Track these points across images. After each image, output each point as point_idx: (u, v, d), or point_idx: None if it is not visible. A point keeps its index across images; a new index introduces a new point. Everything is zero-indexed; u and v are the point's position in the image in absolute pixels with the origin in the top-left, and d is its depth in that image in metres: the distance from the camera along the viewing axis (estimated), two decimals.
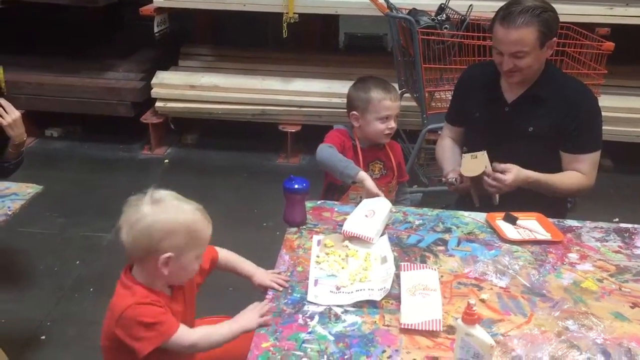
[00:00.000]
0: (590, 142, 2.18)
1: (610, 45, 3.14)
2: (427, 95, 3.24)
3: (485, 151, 2.10)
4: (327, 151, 2.09)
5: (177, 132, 4.35)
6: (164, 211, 1.38)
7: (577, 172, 2.16)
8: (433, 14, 3.24)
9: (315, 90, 4.01)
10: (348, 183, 2.05)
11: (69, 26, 4.69)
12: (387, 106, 2.11)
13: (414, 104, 3.50)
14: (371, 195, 1.97)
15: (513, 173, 2.04)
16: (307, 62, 4.34)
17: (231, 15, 4.23)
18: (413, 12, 3.14)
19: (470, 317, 1.22)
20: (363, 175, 2.00)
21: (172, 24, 4.25)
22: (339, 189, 2.22)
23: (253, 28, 4.85)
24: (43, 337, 2.44)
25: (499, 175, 2.05)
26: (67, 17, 4.67)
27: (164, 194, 1.42)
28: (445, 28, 3.01)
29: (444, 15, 3.11)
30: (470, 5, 3.11)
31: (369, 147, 2.22)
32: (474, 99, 2.31)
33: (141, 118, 4.19)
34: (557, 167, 2.19)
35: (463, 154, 2.23)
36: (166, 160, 4.12)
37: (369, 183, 1.99)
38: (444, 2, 3.28)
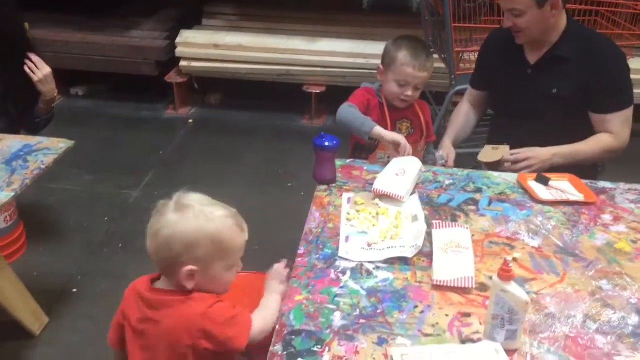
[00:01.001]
0: (620, 100, 2.13)
1: None
2: (455, 56, 3.18)
3: (508, 146, 2.09)
4: (345, 111, 2.03)
5: (200, 92, 4.34)
6: (188, 220, 1.26)
7: (604, 134, 2.12)
8: None
9: (339, 51, 3.96)
10: (366, 140, 2.02)
11: None
12: (407, 72, 2.02)
13: (441, 65, 3.44)
14: (393, 143, 1.92)
15: (533, 156, 2.05)
16: (331, 22, 4.28)
17: None
18: None
19: (506, 274, 1.21)
20: (378, 130, 1.94)
21: None
22: (366, 149, 2.19)
23: None
24: (74, 290, 2.50)
25: (518, 166, 2.05)
26: None
27: (192, 199, 1.31)
28: None
29: None
30: None
31: (396, 106, 2.18)
32: (498, 62, 2.27)
33: (165, 77, 4.19)
34: (583, 131, 2.15)
35: (485, 145, 2.20)
36: (190, 120, 4.13)
37: (385, 134, 1.93)
38: None
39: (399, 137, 1.93)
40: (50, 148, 2.07)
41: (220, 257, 1.30)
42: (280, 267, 1.53)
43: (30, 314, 2.22)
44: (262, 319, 1.36)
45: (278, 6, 4.62)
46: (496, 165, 2.09)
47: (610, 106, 2.11)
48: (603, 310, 1.37)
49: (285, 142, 3.85)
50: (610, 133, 2.13)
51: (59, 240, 2.82)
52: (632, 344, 1.28)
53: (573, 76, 2.09)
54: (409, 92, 2.06)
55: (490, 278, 1.39)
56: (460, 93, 3.13)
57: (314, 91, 4.00)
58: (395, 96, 2.09)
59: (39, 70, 2.30)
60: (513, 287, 1.23)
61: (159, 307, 1.31)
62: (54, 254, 2.71)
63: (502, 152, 2.10)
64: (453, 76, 3.16)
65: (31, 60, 2.32)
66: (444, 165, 2.14)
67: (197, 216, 1.27)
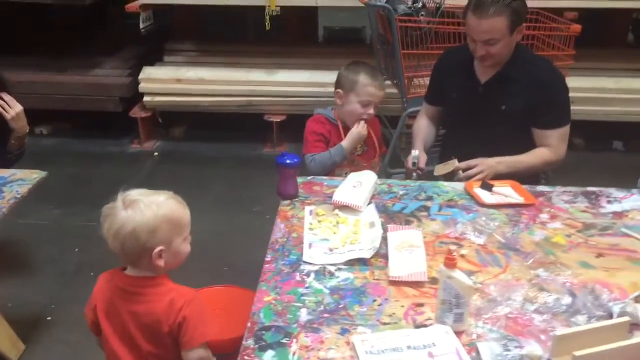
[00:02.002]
0: (559, 118, 2.34)
1: (577, 27, 3.31)
2: (406, 81, 3.39)
3: (456, 159, 2.29)
4: (315, 163, 2.28)
5: (165, 125, 4.46)
6: (141, 212, 1.42)
7: (544, 148, 2.33)
8: (409, 2, 3.39)
9: (297, 81, 4.15)
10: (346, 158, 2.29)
11: (55, 25, 4.78)
12: (370, 92, 2.25)
13: (394, 90, 3.65)
14: (359, 136, 2.26)
15: (482, 163, 2.24)
16: (289, 55, 4.47)
17: (213, 10, 4.35)
18: (391, 1, 3.29)
19: (451, 262, 1.37)
20: (345, 145, 2.27)
21: (156, 20, 4.35)
22: None
23: (235, 23, 4.98)
24: (49, 318, 2.56)
25: (471, 172, 2.23)
26: (53, 16, 4.75)
27: (135, 194, 1.46)
28: (422, 15, 3.17)
29: (420, 3, 3.27)
30: None
31: (351, 125, 2.35)
32: (451, 81, 2.46)
33: (129, 113, 4.30)
34: (527, 144, 2.35)
35: (436, 164, 2.40)
36: (155, 153, 4.23)
37: (350, 140, 2.28)
38: None
39: (355, 129, 2.27)
40: (24, 179, 2.17)
41: (178, 232, 1.49)
42: None
43: (7, 341, 2.28)
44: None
45: (237, 41, 4.81)
46: (451, 176, 2.27)
47: (550, 123, 2.32)
48: (540, 294, 1.53)
49: (248, 169, 3.98)
50: (549, 147, 2.33)
51: (31, 273, 2.88)
52: (565, 320, 1.45)
53: (519, 95, 2.29)
54: (371, 111, 2.28)
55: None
56: (412, 115, 3.33)
57: (275, 120, 4.16)
58: (357, 116, 2.30)
59: (11, 108, 2.41)
60: (457, 274, 1.39)
61: (137, 293, 1.49)
62: (27, 285, 2.77)
63: (452, 164, 2.28)
64: (405, 99, 3.37)
65: (3, 99, 2.42)
66: (415, 167, 2.32)
67: (148, 206, 1.44)
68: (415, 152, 2.32)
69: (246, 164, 4.09)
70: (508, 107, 2.31)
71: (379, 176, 2.17)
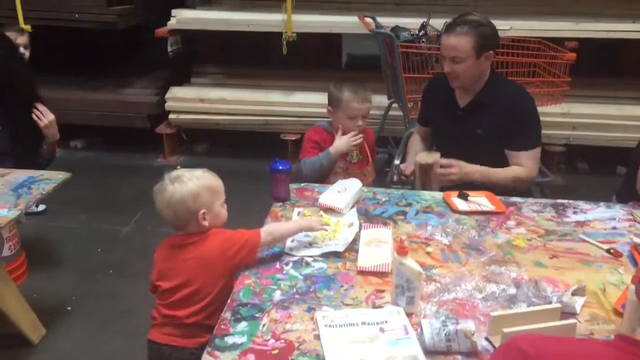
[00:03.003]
0: (530, 141, 2.52)
1: (572, 55, 3.50)
2: (409, 103, 3.61)
3: (439, 153, 2.48)
4: (306, 166, 2.50)
5: (188, 142, 4.77)
6: (185, 183, 1.77)
7: (516, 166, 2.51)
8: (415, 31, 3.63)
9: (313, 102, 4.41)
10: (334, 162, 2.49)
11: (92, 48, 5.17)
12: (354, 107, 2.47)
13: (399, 112, 3.88)
14: (347, 145, 2.45)
15: (457, 166, 2.43)
16: (307, 78, 4.75)
17: (238, 36, 4.67)
18: (395, 29, 3.54)
19: (402, 250, 1.58)
20: (334, 149, 2.46)
21: (184, 45, 4.70)
22: None
23: (258, 48, 5.29)
24: (69, 308, 2.83)
25: (445, 171, 2.43)
26: (91, 40, 5.15)
27: (177, 172, 1.82)
28: (423, 42, 3.40)
29: (423, 31, 3.50)
30: (445, 21, 3.49)
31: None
32: (436, 104, 2.68)
33: (156, 129, 4.62)
34: (502, 164, 2.54)
35: (420, 153, 2.59)
36: (178, 167, 4.50)
37: (339, 145, 2.46)
38: (426, 21, 3.67)
39: (346, 136, 2.46)
40: (50, 179, 2.45)
41: (217, 197, 1.83)
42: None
43: (30, 325, 2.54)
44: (273, 225, 1.95)
45: (259, 65, 5.12)
46: (429, 170, 2.43)
47: (521, 146, 2.51)
48: (488, 285, 1.72)
49: (263, 184, 4.17)
50: (521, 166, 2.51)
51: (56, 269, 3.17)
52: (507, 306, 1.63)
53: (493, 120, 2.49)
54: (360, 122, 2.50)
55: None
56: None
57: (290, 139, 4.42)
58: (349, 129, 2.51)
59: (45, 117, 2.72)
60: (408, 261, 1.59)
61: (192, 242, 1.78)
62: (52, 279, 3.05)
63: (435, 157, 2.45)
64: (407, 120, 3.58)
65: (38, 109, 2.73)
66: (401, 175, 2.53)
67: (189, 179, 1.79)
68: (397, 163, 2.53)
69: (262, 179, 4.32)
70: (483, 131, 2.51)
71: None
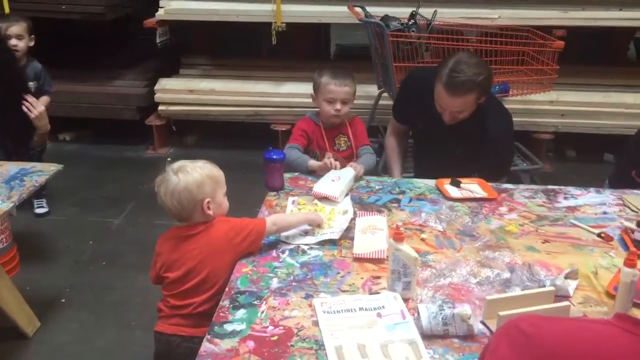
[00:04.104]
0: (498, 174, 2.51)
1: (560, 43, 3.52)
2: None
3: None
4: (288, 154, 2.41)
5: (178, 133, 4.75)
6: (188, 174, 1.79)
7: None
8: (405, 20, 3.64)
9: (303, 92, 4.39)
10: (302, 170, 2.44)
11: (80, 39, 5.13)
12: (330, 89, 2.44)
13: (392, 102, 3.88)
14: (322, 168, 2.35)
15: None
16: (297, 69, 4.73)
17: (227, 26, 4.65)
18: (385, 18, 3.54)
19: (398, 236, 1.59)
20: (310, 163, 2.41)
21: (173, 36, 4.66)
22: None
23: (248, 39, 5.26)
24: (63, 300, 2.82)
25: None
26: (79, 31, 5.11)
27: (180, 163, 1.84)
28: (413, 31, 3.41)
29: (412, 20, 3.51)
30: (435, 10, 3.52)
31: (331, 125, 2.56)
32: (417, 108, 2.62)
33: (145, 121, 4.60)
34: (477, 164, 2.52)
35: None
36: (169, 159, 4.45)
37: (315, 165, 2.39)
38: (415, 10, 3.68)
39: (324, 162, 2.36)
40: (43, 171, 2.44)
41: (219, 187, 1.86)
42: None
43: (25, 317, 2.53)
44: (278, 216, 1.96)
45: (248, 56, 5.10)
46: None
47: (491, 178, 2.39)
48: (483, 270, 1.74)
49: (254, 174, 4.18)
50: None
51: (48, 261, 3.15)
52: (502, 290, 1.65)
53: (472, 146, 2.46)
54: (338, 106, 2.47)
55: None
56: None
57: (280, 129, 4.41)
58: (328, 113, 2.50)
59: (35, 108, 2.70)
60: (404, 247, 1.61)
61: (194, 234, 1.80)
62: (44, 272, 3.04)
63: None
64: None
65: (27, 101, 2.72)
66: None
67: (193, 169, 1.81)
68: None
69: (253, 169, 4.33)
70: (463, 152, 2.51)
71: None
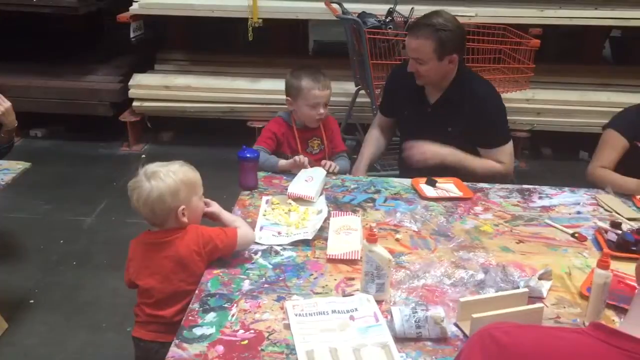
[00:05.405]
0: (499, 137, 2.51)
1: (536, 42, 3.53)
2: (378, 90, 3.60)
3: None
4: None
5: (153, 130, 4.68)
6: (162, 180, 1.70)
7: (495, 162, 2.48)
8: (382, 17, 3.62)
9: (279, 89, 4.32)
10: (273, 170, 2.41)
11: (52, 33, 5.02)
12: (315, 95, 2.39)
13: (367, 99, 3.87)
14: (293, 165, 2.33)
15: (418, 146, 2.44)
16: (274, 65, 4.68)
17: (203, 21, 4.58)
18: (362, 15, 3.52)
19: (371, 237, 1.57)
20: (280, 163, 2.38)
21: (148, 31, 4.58)
22: None
23: (224, 35, 5.21)
24: (32, 301, 2.75)
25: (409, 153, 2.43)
26: (51, 25, 5.00)
27: (153, 167, 1.74)
28: (390, 28, 3.39)
29: (390, 17, 3.49)
30: (412, 7, 3.50)
31: (305, 127, 2.52)
32: (403, 98, 2.62)
33: (120, 117, 4.52)
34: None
35: None
36: (143, 156, 4.44)
37: (285, 164, 2.36)
38: (392, 7, 3.66)
39: (293, 159, 2.33)
40: (9, 169, 2.38)
41: (194, 192, 1.78)
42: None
43: None
44: (248, 231, 1.83)
45: (225, 52, 5.04)
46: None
47: (492, 143, 2.49)
48: (457, 271, 1.73)
49: (230, 172, 4.14)
50: (498, 162, 2.49)
51: (17, 261, 3.07)
52: (475, 292, 1.64)
53: (462, 117, 2.45)
54: (322, 110, 2.43)
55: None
56: None
57: (257, 126, 4.37)
58: (312, 118, 2.46)
59: (1, 104, 2.62)
60: (378, 248, 1.58)
61: (169, 241, 1.73)
62: (13, 272, 2.96)
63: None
64: (374, 107, 3.58)
65: None
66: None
67: (167, 174, 1.72)
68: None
69: (229, 166, 4.27)
70: (453, 128, 2.48)
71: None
